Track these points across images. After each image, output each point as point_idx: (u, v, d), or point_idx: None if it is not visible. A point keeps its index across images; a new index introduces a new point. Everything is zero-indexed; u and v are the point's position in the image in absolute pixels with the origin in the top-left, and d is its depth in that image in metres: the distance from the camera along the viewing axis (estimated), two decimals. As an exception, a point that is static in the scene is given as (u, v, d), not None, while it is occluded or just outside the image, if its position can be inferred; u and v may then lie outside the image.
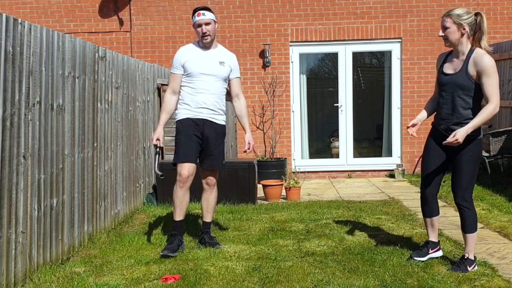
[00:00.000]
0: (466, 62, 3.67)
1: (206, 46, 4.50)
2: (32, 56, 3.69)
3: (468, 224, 3.79)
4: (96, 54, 4.95)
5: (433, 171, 3.95)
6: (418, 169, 9.31)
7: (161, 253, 4.22)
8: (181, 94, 4.51)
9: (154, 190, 6.84)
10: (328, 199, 6.93)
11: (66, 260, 4.19)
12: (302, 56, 9.47)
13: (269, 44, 9.18)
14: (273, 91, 9.18)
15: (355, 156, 9.54)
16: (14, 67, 3.45)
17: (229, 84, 4.63)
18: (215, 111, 4.49)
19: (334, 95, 9.53)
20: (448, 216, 5.74)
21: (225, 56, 4.57)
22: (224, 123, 4.61)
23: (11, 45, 3.40)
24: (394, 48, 9.31)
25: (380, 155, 9.74)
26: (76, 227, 4.46)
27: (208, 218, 4.67)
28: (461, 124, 3.68)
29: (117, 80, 5.55)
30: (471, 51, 3.68)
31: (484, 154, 7.22)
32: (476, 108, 3.70)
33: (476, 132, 3.68)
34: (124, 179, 5.78)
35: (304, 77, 9.62)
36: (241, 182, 6.43)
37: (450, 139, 3.57)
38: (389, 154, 9.51)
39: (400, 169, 8.96)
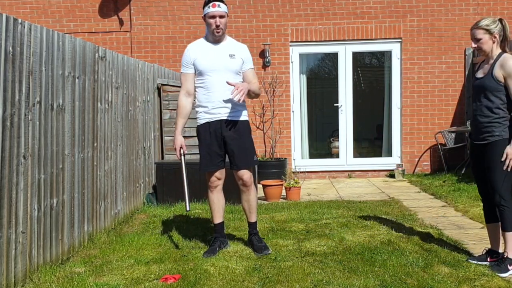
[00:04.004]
0: (493, 65, 3.80)
1: (216, 40, 4.28)
2: (32, 56, 3.69)
3: (508, 223, 3.78)
4: (96, 54, 4.95)
5: (479, 179, 4.02)
6: (418, 169, 9.32)
7: (202, 255, 4.24)
8: (196, 96, 4.35)
9: (154, 190, 6.83)
10: (328, 199, 6.93)
11: (66, 260, 4.19)
12: (302, 56, 9.47)
13: (269, 44, 9.18)
14: (273, 91, 9.18)
15: (355, 156, 9.54)
16: (14, 67, 3.45)
17: (243, 77, 4.38)
18: (233, 108, 4.25)
19: (334, 95, 9.53)
20: (448, 216, 5.74)
21: (235, 48, 4.34)
22: (245, 118, 4.37)
23: (11, 45, 3.40)
24: (394, 48, 9.31)
25: (380, 155, 9.75)
26: (76, 227, 4.46)
27: (252, 218, 4.49)
28: (491, 124, 3.77)
29: (117, 80, 5.55)
30: (499, 55, 3.81)
31: None
32: (509, 108, 3.80)
33: (503, 132, 3.76)
34: (124, 179, 5.78)
35: (304, 77, 9.62)
36: (241, 182, 6.41)
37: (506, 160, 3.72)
38: (389, 154, 9.52)
39: (400, 169, 8.96)
